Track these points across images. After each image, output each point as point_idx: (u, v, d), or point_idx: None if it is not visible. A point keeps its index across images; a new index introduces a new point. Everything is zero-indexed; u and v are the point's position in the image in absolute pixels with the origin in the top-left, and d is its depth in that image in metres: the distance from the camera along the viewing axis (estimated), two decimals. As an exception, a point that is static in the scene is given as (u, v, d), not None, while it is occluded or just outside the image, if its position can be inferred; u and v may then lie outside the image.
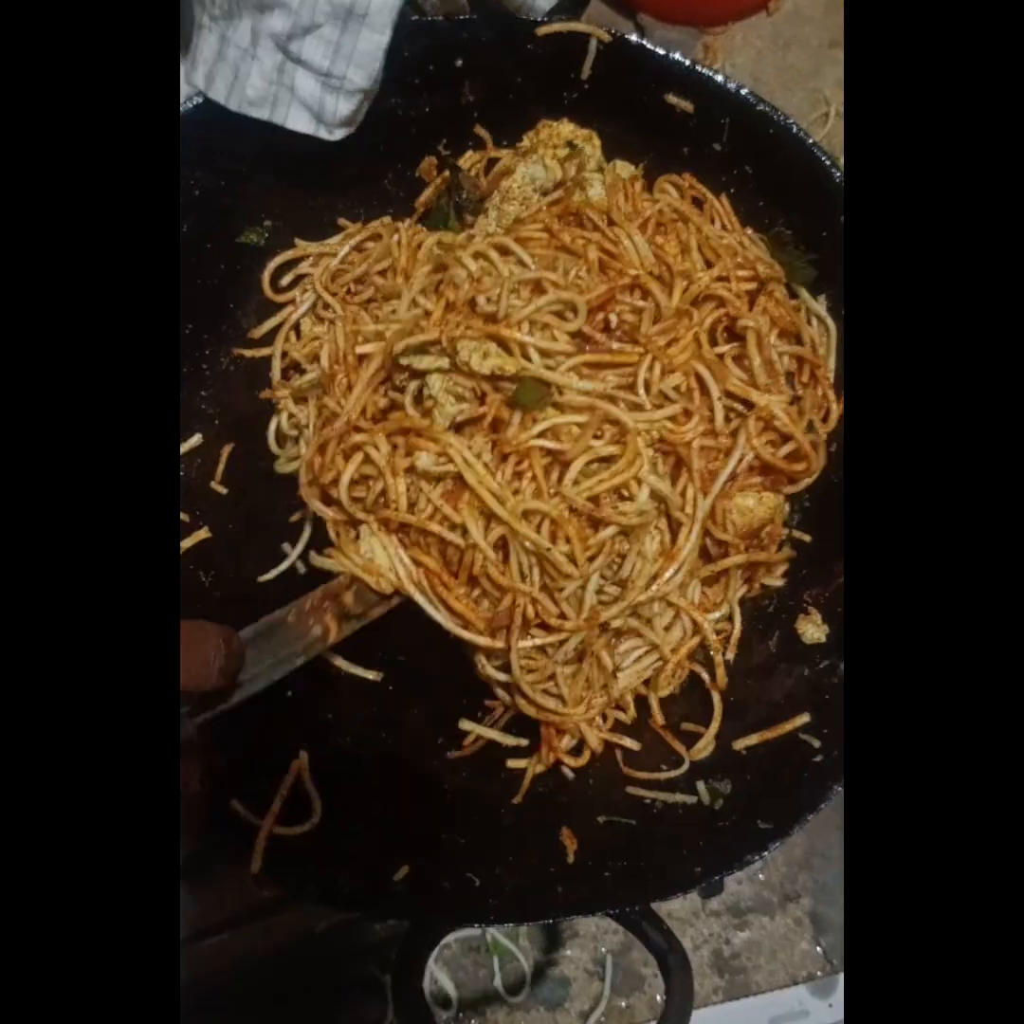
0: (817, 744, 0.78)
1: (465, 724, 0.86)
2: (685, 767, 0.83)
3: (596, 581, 0.78)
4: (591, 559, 0.77)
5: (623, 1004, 1.05)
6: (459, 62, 0.88)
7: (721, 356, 0.84)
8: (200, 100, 0.81)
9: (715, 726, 0.83)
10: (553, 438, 0.77)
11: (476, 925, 0.98)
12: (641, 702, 0.87)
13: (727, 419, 0.83)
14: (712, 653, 0.85)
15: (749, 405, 0.83)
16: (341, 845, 0.76)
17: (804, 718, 0.80)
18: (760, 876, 1.11)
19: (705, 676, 0.86)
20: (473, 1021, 1.03)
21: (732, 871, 0.76)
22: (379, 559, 0.79)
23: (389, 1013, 1.00)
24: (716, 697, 0.84)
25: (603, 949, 1.07)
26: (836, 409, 0.88)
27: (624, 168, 0.93)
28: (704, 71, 0.85)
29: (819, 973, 1.07)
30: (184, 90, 0.82)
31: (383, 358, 0.81)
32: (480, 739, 0.86)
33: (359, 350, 0.83)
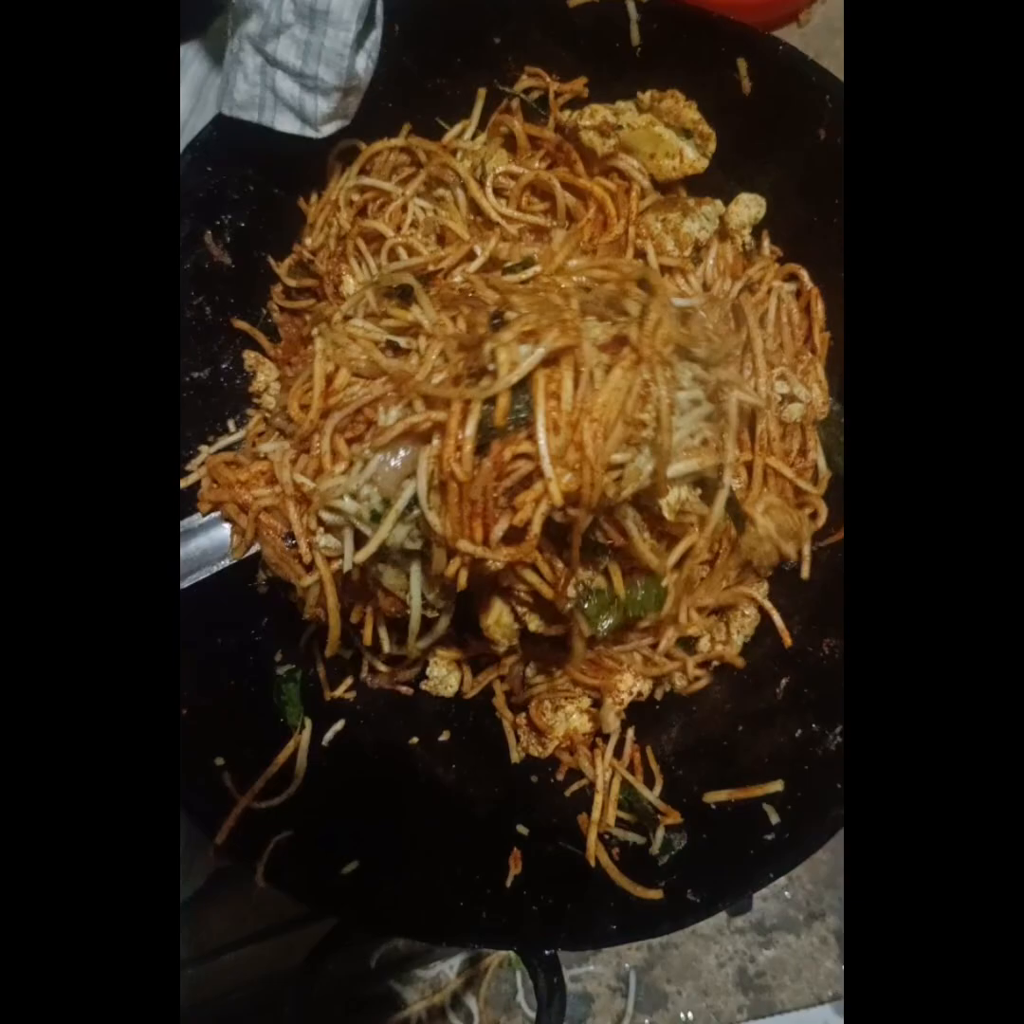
0: (775, 819, 0.75)
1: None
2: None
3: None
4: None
5: (647, 1021, 1.03)
6: (497, 39, 0.86)
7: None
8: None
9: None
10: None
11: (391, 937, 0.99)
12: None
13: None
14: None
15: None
16: (305, 829, 0.76)
17: (777, 786, 0.77)
18: (786, 894, 1.09)
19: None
20: (495, 1037, 1.02)
21: (640, 939, 0.76)
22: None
23: (409, 1028, 0.99)
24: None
25: (627, 965, 1.05)
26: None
27: (748, 206, 0.87)
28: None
29: (845, 993, 1.06)
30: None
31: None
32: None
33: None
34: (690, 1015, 1.04)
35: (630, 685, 0.82)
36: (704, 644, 0.85)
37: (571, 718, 0.84)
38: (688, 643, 0.85)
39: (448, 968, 1.02)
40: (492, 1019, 1.01)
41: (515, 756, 0.85)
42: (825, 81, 0.82)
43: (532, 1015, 1.01)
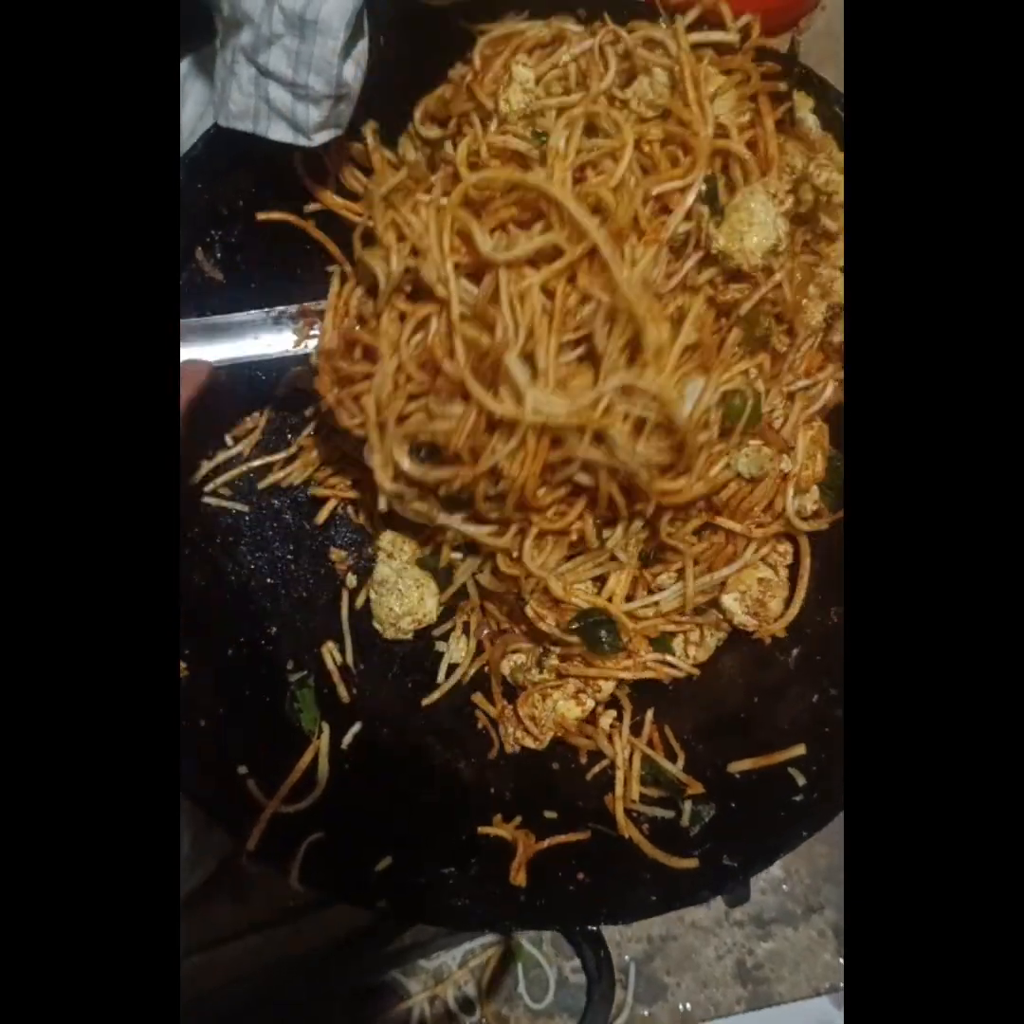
0: (801, 781, 0.76)
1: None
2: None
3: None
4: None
5: (645, 1012, 1.06)
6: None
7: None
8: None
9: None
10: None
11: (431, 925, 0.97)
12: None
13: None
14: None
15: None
16: (334, 828, 0.76)
17: (800, 750, 0.78)
18: (784, 887, 1.10)
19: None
20: (496, 1026, 1.05)
21: (681, 907, 0.76)
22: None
23: (413, 1017, 1.02)
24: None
25: (626, 957, 1.07)
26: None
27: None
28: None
29: (842, 985, 1.07)
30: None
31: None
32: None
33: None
34: (689, 1006, 1.06)
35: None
36: (677, 644, 0.87)
37: (558, 705, 0.86)
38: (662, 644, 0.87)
39: (451, 959, 1.05)
40: (494, 1010, 1.04)
41: (508, 746, 0.87)
42: (825, 93, 0.81)
43: (534, 1006, 1.05)
